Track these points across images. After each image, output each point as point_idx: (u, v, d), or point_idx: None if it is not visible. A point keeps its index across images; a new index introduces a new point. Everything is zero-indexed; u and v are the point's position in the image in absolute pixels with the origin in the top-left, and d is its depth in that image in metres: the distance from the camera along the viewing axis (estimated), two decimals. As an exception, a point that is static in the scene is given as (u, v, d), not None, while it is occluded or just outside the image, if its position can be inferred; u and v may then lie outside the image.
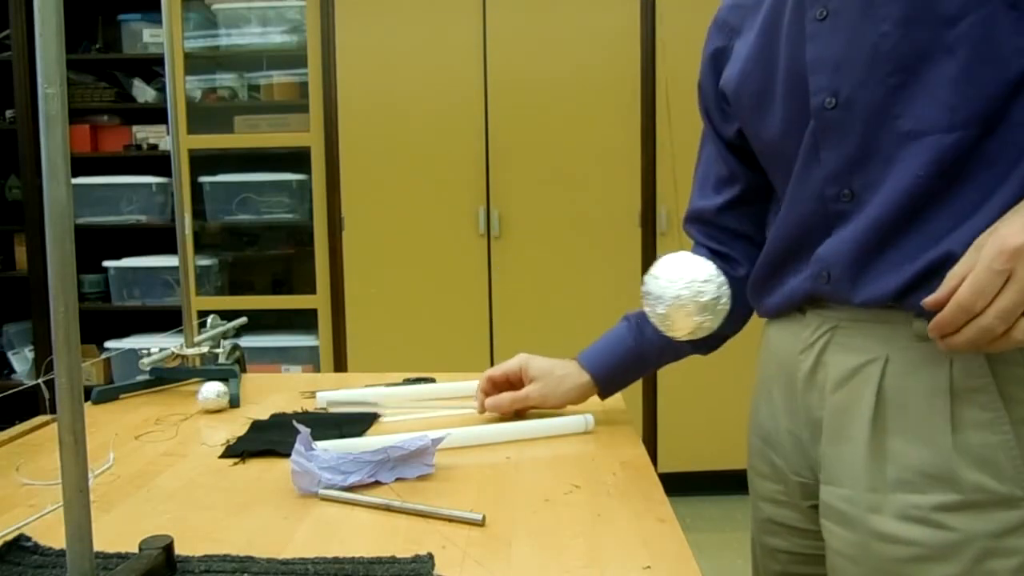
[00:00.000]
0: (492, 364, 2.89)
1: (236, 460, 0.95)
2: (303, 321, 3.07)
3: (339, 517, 0.78)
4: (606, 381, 1.06)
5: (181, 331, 1.36)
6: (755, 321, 1.00)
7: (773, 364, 0.88)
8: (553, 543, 0.71)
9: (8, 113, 3.17)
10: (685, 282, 0.75)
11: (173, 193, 1.42)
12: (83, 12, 3.21)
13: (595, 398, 1.19)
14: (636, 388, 2.92)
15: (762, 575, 0.92)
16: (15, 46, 3.05)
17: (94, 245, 3.11)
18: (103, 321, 3.10)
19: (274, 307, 3.14)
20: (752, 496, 0.93)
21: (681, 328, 0.77)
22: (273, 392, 1.28)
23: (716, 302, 0.77)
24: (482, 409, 1.07)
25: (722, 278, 0.79)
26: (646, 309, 0.79)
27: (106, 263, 3.13)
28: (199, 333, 1.38)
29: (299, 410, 1.16)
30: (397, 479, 0.86)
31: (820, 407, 0.78)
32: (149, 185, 3.15)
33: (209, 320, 1.44)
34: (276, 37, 3.07)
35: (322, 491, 0.82)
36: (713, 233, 0.99)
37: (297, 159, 2.98)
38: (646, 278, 0.79)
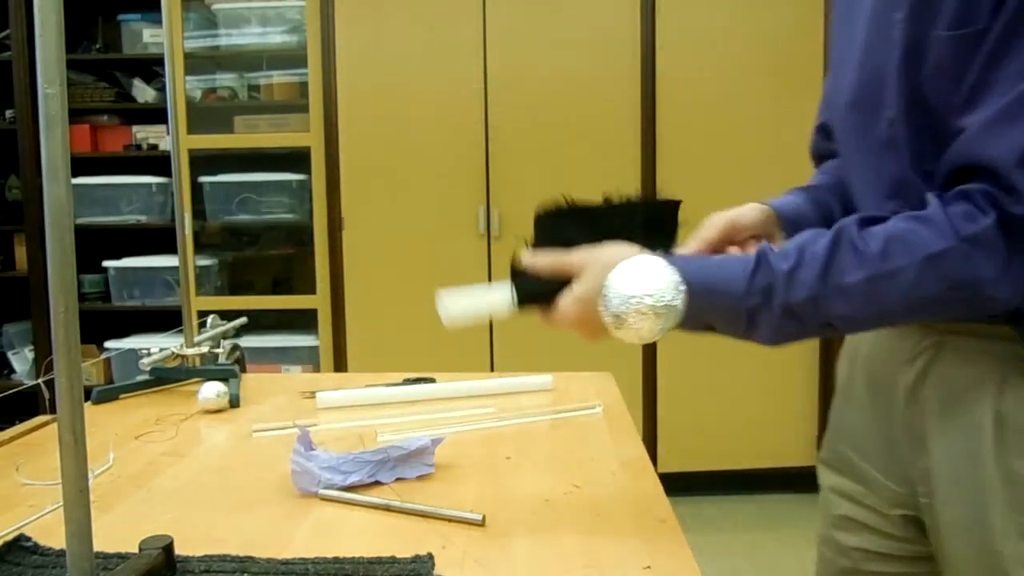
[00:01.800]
0: (492, 364, 2.91)
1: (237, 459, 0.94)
2: (303, 321, 3.07)
3: (339, 517, 0.78)
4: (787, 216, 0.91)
5: (181, 331, 1.36)
6: None
7: (862, 370, 0.84)
8: (553, 543, 0.71)
9: (8, 113, 3.17)
10: (651, 289, 0.73)
11: (173, 193, 1.42)
12: (83, 12, 3.21)
13: (596, 398, 1.19)
14: (636, 388, 2.92)
15: (830, 570, 0.89)
16: (15, 46, 3.05)
17: (94, 245, 3.11)
18: (103, 321, 3.10)
19: (274, 307, 3.14)
20: (824, 491, 0.90)
21: (641, 334, 0.75)
22: (273, 392, 1.28)
23: (672, 307, 0.75)
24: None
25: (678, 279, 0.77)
26: (606, 315, 0.76)
27: (106, 263, 3.13)
28: (199, 333, 1.38)
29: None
30: (397, 479, 0.86)
31: (924, 424, 0.75)
32: (149, 185, 3.15)
33: (209, 320, 1.44)
34: (276, 37, 3.07)
35: (322, 491, 0.82)
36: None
37: (297, 159, 2.98)
38: (607, 283, 0.77)
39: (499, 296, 0.79)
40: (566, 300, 0.74)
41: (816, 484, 0.92)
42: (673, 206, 0.86)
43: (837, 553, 0.88)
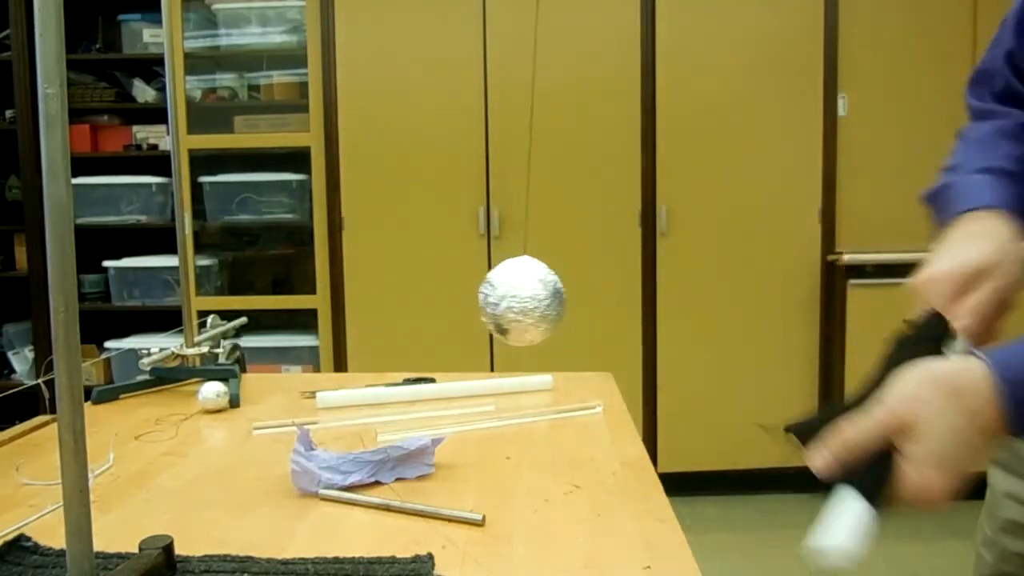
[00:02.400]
0: (492, 364, 2.92)
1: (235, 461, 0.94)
2: (303, 321, 3.07)
3: (339, 517, 0.78)
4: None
5: (181, 331, 1.36)
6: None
7: None
8: (553, 543, 0.71)
9: (8, 113, 3.17)
10: (528, 294, 0.65)
11: (173, 193, 1.42)
12: (83, 12, 3.21)
13: (596, 398, 1.19)
14: (636, 388, 2.92)
15: (987, 573, 0.84)
16: (15, 46, 3.05)
17: (94, 245, 3.11)
18: (103, 321, 3.10)
19: (274, 307, 3.14)
20: (992, 493, 0.83)
21: (522, 339, 0.68)
22: (273, 392, 1.28)
23: (556, 313, 0.68)
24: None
25: (557, 284, 0.68)
26: (485, 317, 0.67)
27: (106, 263, 3.13)
28: (199, 333, 1.38)
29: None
30: (397, 479, 0.86)
31: None
32: (149, 185, 3.15)
33: (209, 320, 1.43)
34: (276, 37, 3.07)
35: (322, 491, 0.82)
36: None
37: (297, 159, 2.98)
38: (484, 285, 0.68)
39: (855, 508, 0.57)
40: (914, 473, 0.55)
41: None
42: (940, 319, 0.66)
43: (999, 559, 0.82)
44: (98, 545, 0.58)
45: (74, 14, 3.08)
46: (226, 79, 3.15)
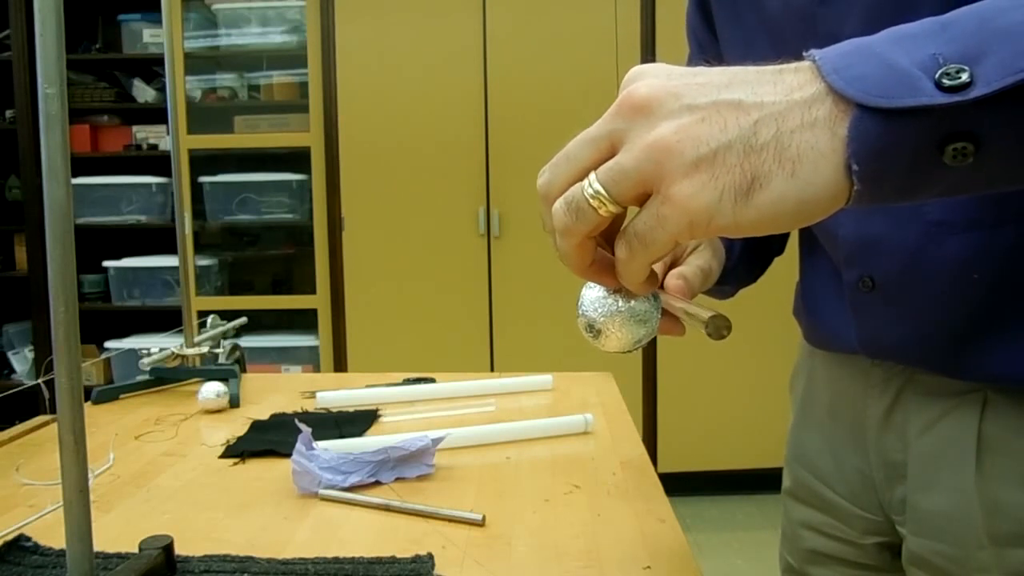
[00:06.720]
0: (492, 364, 2.92)
1: (236, 460, 0.95)
2: (303, 321, 3.07)
3: (339, 517, 0.78)
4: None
5: (181, 331, 1.36)
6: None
7: (825, 399, 0.79)
8: (553, 543, 0.71)
9: (8, 113, 3.17)
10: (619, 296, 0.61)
11: (173, 193, 1.42)
12: (83, 12, 3.21)
13: (596, 398, 1.19)
14: (636, 388, 2.92)
15: None
16: (15, 46, 3.06)
17: (94, 245, 3.11)
18: (103, 321, 3.10)
19: (274, 307, 3.14)
20: (789, 523, 0.85)
21: (614, 344, 0.64)
22: (273, 392, 1.28)
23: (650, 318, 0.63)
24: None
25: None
26: (579, 320, 0.64)
27: (106, 263, 3.13)
28: (199, 333, 1.38)
29: (299, 410, 1.16)
30: (397, 479, 0.86)
31: (900, 450, 0.68)
32: (149, 185, 3.16)
33: (209, 320, 1.43)
34: (276, 37, 3.08)
35: (322, 491, 0.82)
36: None
37: (297, 159, 2.98)
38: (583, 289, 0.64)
39: None
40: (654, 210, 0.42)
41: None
42: None
43: None
44: (98, 545, 0.58)
45: (74, 14, 3.08)
46: (226, 79, 3.15)
